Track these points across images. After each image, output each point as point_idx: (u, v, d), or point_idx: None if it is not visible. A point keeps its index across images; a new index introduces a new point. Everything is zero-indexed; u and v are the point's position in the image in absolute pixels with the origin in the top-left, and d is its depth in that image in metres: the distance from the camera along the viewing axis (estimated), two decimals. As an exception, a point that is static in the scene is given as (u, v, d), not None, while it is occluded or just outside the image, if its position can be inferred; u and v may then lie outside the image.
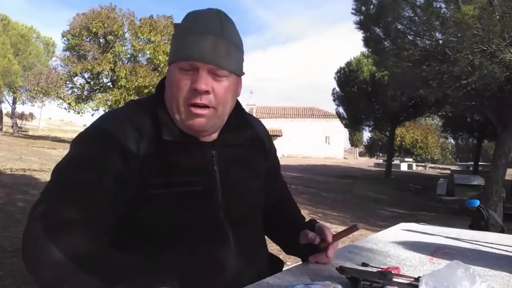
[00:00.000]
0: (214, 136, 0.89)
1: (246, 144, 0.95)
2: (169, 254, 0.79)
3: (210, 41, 0.79)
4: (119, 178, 0.75)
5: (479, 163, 17.17)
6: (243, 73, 0.90)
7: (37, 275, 0.64)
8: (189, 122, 0.82)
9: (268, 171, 1.03)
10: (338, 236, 0.93)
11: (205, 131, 0.85)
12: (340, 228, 5.68)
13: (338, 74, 18.42)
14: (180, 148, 0.83)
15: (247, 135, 0.96)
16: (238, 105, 0.94)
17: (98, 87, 19.76)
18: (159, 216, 0.79)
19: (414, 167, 25.73)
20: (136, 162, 0.78)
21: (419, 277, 0.71)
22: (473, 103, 7.56)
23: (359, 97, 16.60)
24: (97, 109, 18.97)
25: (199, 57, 0.78)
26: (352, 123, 18.91)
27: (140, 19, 18.93)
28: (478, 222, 1.76)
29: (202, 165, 0.85)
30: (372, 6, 7.86)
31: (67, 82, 19.42)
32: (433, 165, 29.29)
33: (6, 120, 27.29)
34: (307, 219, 1.08)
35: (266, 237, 1.06)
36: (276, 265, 1.04)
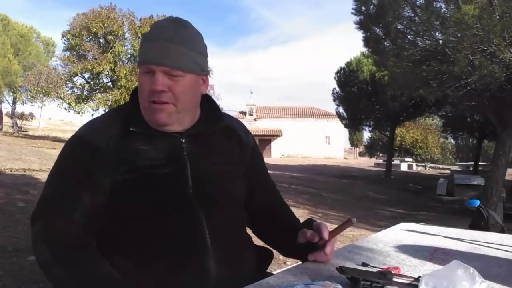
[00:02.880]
0: (185, 128, 0.98)
1: (218, 133, 1.03)
2: (141, 234, 0.88)
3: (161, 46, 0.89)
4: (92, 174, 0.89)
5: (479, 163, 17.18)
6: (205, 72, 0.99)
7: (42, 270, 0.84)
8: (152, 116, 0.92)
9: (248, 164, 1.07)
10: (334, 232, 0.94)
11: (167, 124, 0.93)
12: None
13: (338, 74, 18.42)
14: (148, 138, 0.93)
15: (220, 125, 1.04)
16: (210, 101, 1.06)
17: (98, 87, 19.76)
18: (130, 197, 0.89)
19: (414, 167, 25.74)
20: (105, 156, 0.89)
21: (419, 277, 0.71)
22: (473, 103, 7.56)
23: (359, 97, 16.60)
24: (97, 109, 18.98)
25: (152, 60, 0.90)
26: (352, 123, 18.91)
27: (140, 19, 18.95)
28: (478, 222, 1.76)
29: (170, 151, 0.94)
30: (372, 6, 7.85)
31: (67, 82, 19.42)
32: (433, 165, 29.30)
33: (6, 120, 27.29)
34: (307, 219, 1.08)
35: (262, 242, 1.07)
36: (265, 256, 1.06)
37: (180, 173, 0.92)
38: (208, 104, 1.05)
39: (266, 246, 1.11)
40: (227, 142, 1.04)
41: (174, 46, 0.90)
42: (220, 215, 0.94)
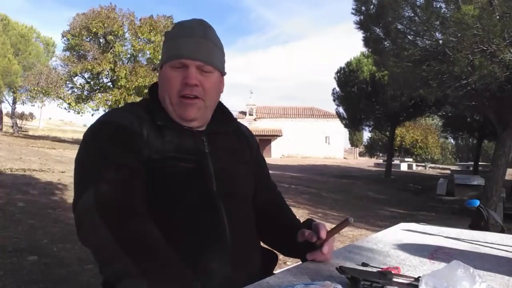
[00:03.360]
0: (203, 127, 1.01)
1: (231, 134, 1.07)
2: (169, 222, 0.87)
3: (196, 42, 0.94)
4: (138, 156, 0.87)
5: (479, 163, 17.17)
6: (225, 73, 1.04)
7: (93, 251, 0.80)
8: (181, 110, 0.94)
9: (254, 165, 1.11)
10: (332, 232, 0.94)
11: (194, 119, 0.96)
12: (340, 228, 5.67)
13: (338, 74, 18.41)
14: (173, 132, 0.94)
15: (232, 126, 1.09)
16: (220, 103, 1.08)
17: (98, 87, 19.75)
18: (155, 188, 0.89)
19: (414, 167, 25.73)
20: (143, 141, 0.89)
21: (419, 277, 0.71)
22: (473, 103, 7.56)
23: (359, 97, 16.59)
24: (97, 109, 18.99)
25: (188, 55, 0.93)
26: (352, 123, 18.90)
27: (140, 19, 18.94)
28: (478, 222, 1.76)
29: (194, 147, 0.95)
30: (372, 6, 7.86)
31: (67, 82, 19.42)
32: (433, 165, 29.29)
33: (6, 120, 27.29)
34: (306, 219, 1.08)
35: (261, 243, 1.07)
36: (269, 259, 1.06)
37: (204, 170, 0.94)
38: (218, 105, 1.07)
39: (271, 248, 1.11)
40: (238, 142, 1.08)
41: (208, 43, 0.96)
42: (238, 214, 0.96)
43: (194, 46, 0.93)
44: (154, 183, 0.88)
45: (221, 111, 1.07)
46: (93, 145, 0.89)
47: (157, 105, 0.97)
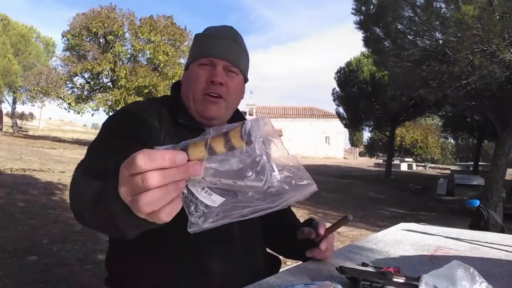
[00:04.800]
0: None
1: None
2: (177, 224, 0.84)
3: (226, 44, 0.97)
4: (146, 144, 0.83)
5: (479, 163, 17.16)
6: (247, 79, 1.05)
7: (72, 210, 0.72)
8: (204, 108, 0.95)
9: None
10: (331, 229, 0.95)
11: (215, 118, 0.96)
12: (341, 228, 5.67)
13: (338, 74, 18.41)
14: (192, 133, 0.90)
15: None
16: (237, 109, 1.09)
17: (98, 87, 19.74)
18: None
19: (414, 167, 25.72)
20: (159, 136, 0.88)
21: (419, 277, 0.70)
22: (473, 103, 7.55)
23: (359, 97, 16.58)
24: (97, 109, 18.98)
25: (217, 54, 0.95)
26: (352, 123, 18.89)
27: (140, 19, 18.93)
28: (478, 222, 1.76)
29: None
30: (372, 6, 7.86)
31: (67, 82, 19.40)
32: (433, 165, 29.28)
33: (6, 120, 27.28)
34: (307, 219, 1.09)
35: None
36: (273, 264, 1.06)
37: None
38: (236, 109, 1.10)
39: (274, 253, 1.12)
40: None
41: (237, 46, 0.99)
42: (249, 220, 0.95)
43: (224, 46, 0.96)
44: None
45: (238, 116, 1.08)
46: (103, 130, 0.88)
47: (179, 103, 0.99)
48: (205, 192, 0.47)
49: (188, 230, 0.48)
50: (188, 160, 0.43)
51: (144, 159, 0.41)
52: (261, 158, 0.44)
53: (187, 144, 0.45)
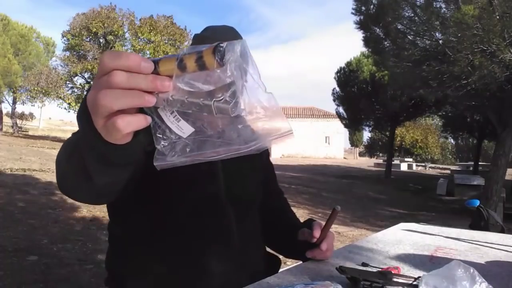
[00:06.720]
0: None
1: None
2: (176, 222, 0.87)
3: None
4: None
5: (479, 163, 17.16)
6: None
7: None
8: None
9: (263, 170, 1.11)
10: (326, 227, 0.94)
11: None
12: (341, 228, 5.67)
13: (338, 74, 18.41)
14: None
15: None
16: None
17: (98, 87, 19.74)
18: (163, 187, 0.87)
19: (414, 167, 25.72)
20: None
21: (419, 277, 0.71)
22: (473, 103, 7.56)
23: (359, 97, 16.58)
24: (97, 109, 18.96)
25: None
26: (352, 123, 18.89)
27: (140, 19, 18.92)
28: (478, 222, 1.76)
29: None
30: (372, 6, 7.86)
31: (67, 82, 19.40)
32: (433, 165, 29.27)
33: (6, 120, 27.27)
34: (306, 220, 1.09)
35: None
36: (273, 263, 1.06)
37: (215, 175, 0.93)
38: None
39: (274, 253, 1.12)
40: None
41: None
42: (247, 220, 0.96)
43: None
44: (161, 183, 0.87)
45: None
46: None
47: None
48: (174, 117, 0.44)
49: (154, 164, 0.45)
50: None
51: (110, 57, 0.40)
52: (234, 85, 0.41)
53: (160, 59, 0.42)
